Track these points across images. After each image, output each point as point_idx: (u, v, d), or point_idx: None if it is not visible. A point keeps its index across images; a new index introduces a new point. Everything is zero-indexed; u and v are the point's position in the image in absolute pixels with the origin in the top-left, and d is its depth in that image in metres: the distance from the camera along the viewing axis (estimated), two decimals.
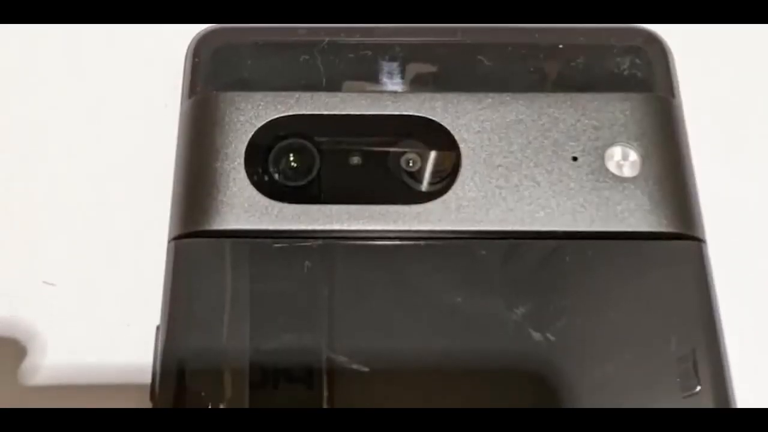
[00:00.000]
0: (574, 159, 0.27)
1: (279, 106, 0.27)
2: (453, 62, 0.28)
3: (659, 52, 0.29)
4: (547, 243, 0.26)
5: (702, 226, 0.26)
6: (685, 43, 0.29)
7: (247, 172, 0.26)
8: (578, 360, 0.25)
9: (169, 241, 0.26)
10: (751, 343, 0.28)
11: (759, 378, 0.28)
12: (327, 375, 0.24)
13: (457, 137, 0.27)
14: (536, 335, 0.25)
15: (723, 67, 0.33)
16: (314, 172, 0.27)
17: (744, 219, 0.30)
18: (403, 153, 0.27)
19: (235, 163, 0.26)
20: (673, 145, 0.27)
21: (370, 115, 0.27)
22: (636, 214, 0.26)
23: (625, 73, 0.28)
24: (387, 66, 0.28)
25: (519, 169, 0.27)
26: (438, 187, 0.27)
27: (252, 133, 0.27)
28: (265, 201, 0.26)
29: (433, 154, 0.27)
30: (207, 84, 0.28)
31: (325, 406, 0.24)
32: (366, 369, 0.24)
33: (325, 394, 0.24)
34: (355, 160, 0.27)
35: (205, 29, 0.29)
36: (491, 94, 0.27)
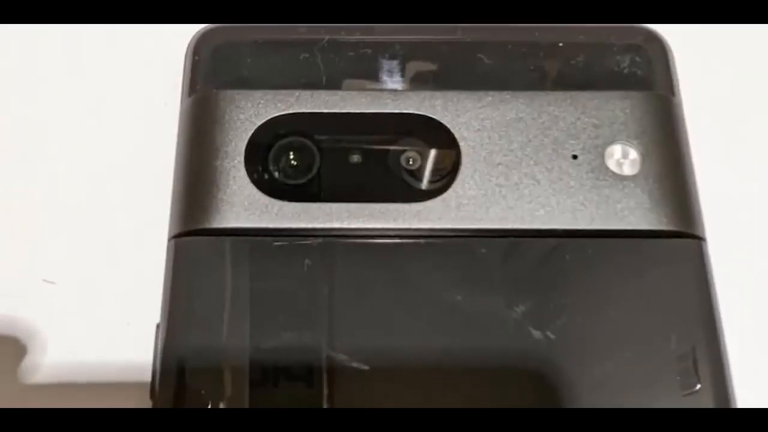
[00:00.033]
0: (574, 157, 0.27)
1: (279, 104, 0.27)
2: (453, 60, 0.28)
3: (659, 50, 0.29)
4: (547, 241, 0.26)
5: (702, 225, 0.26)
6: (685, 41, 0.29)
7: (247, 170, 0.26)
8: (578, 358, 0.25)
9: (169, 240, 0.26)
10: (751, 341, 0.28)
11: (759, 376, 0.28)
12: (327, 373, 0.24)
13: (457, 135, 0.27)
14: (536, 333, 0.25)
15: (723, 65, 0.33)
16: (314, 171, 0.27)
17: (744, 217, 0.30)
18: (403, 151, 0.27)
19: (235, 161, 0.26)
20: (673, 144, 0.27)
21: (370, 113, 0.27)
22: (636, 213, 0.26)
23: (625, 71, 0.28)
24: (387, 64, 0.28)
25: (519, 167, 0.27)
26: (438, 185, 0.27)
27: (252, 131, 0.27)
28: (265, 199, 0.26)
29: (433, 152, 0.27)
30: (207, 82, 0.28)
31: (325, 404, 0.24)
32: (366, 367, 0.24)
33: (325, 392, 0.24)
34: (355, 158, 0.27)
35: (205, 27, 0.29)
36: (491, 93, 0.27)
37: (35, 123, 0.31)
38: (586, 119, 0.27)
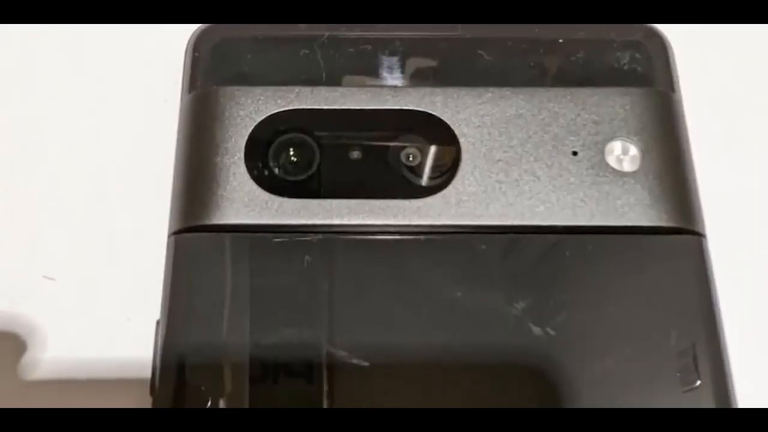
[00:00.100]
0: (574, 153, 0.27)
1: (279, 101, 0.27)
2: (453, 57, 0.28)
3: (659, 46, 0.29)
4: (547, 237, 0.26)
5: (702, 221, 0.26)
6: (685, 37, 0.29)
7: (247, 166, 0.26)
8: (578, 354, 0.25)
9: (169, 236, 0.26)
10: (751, 337, 0.28)
11: (759, 372, 0.28)
12: (327, 369, 0.24)
13: (457, 132, 0.27)
14: (536, 330, 0.25)
15: (723, 61, 0.33)
16: (314, 167, 0.27)
17: (744, 213, 0.30)
18: (403, 147, 0.27)
19: (235, 157, 0.26)
20: (673, 140, 0.27)
21: (370, 109, 0.27)
22: (636, 209, 0.26)
23: (625, 67, 0.28)
24: (387, 60, 0.28)
25: (519, 163, 0.27)
26: (438, 181, 0.27)
27: (252, 127, 0.27)
28: (265, 195, 0.26)
29: (433, 149, 0.27)
30: (207, 79, 0.28)
31: (325, 400, 0.24)
32: (366, 363, 0.24)
33: (325, 388, 0.24)
34: (355, 154, 0.27)
35: (205, 24, 0.29)
36: (491, 89, 0.27)
37: (35, 120, 0.31)
38: (586, 115, 0.27)
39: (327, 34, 0.28)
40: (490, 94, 0.27)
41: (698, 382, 0.24)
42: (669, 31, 0.29)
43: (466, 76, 0.28)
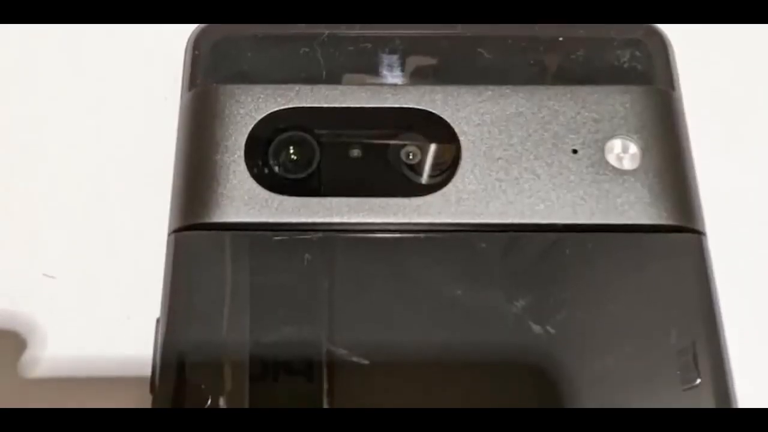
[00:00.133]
0: (574, 152, 0.27)
1: (279, 99, 0.27)
2: (453, 55, 0.28)
3: (659, 44, 0.29)
4: (547, 236, 0.26)
5: (702, 219, 0.26)
6: (685, 35, 0.29)
7: (247, 164, 0.26)
8: (578, 353, 0.25)
9: (169, 234, 0.26)
10: (751, 335, 0.28)
11: (759, 370, 0.28)
12: (327, 368, 0.24)
13: (457, 130, 0.27)
14: (536, 328, 0.25)
15: (723, 59, 0.33)
16: (314, 165, 0.27)
17: (744, 212, 0.30)
18: (403, 146, 0.27)
19: (235, 155, 0.26)
20: (673, 138, 0.27)
21: (370, 107, 0.27)
22: (636, 207, 0.26)
23: (625, 65, 0.28)
24: (387, 58, 0.28)
25: (519, 161, 0.27)
26: (438, 179, 0.27)
27: (252, 125, 0.27)
28: (265, 194, 0.26)
29: (433, 147, 0.27)
30: (207, 76, 0.28)
31: (325, 398, 0.24)
32: (366, 362, 0.24)
33: (325, 386, 0.24)
34: (355, 152, 0.27)
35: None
36: (491, 87, 0.27)
37: (35, 119, 0.31)
38: (586, 114, 0.27)
39: (327, 32, 0.28)
40: (490, 92, 0.27)
41: (698, 381, 0.24)
42: (669, 29, 0.29)
43: (466, 74, 0.28)
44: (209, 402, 0.24)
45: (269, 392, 0.24)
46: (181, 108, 0.28)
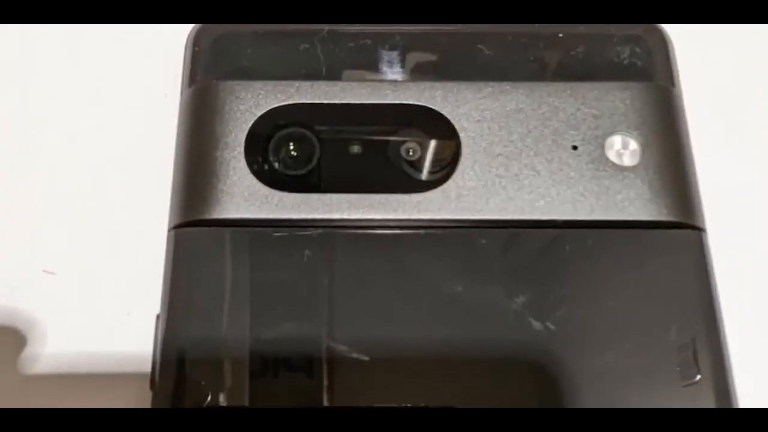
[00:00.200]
0: (574, 148, 0.27)
1: (279, 95, 0.27)
2: (453, 51, 0.28)
3: (659, 41, 0.29)
4: (547, 232, 0.26)
5: (702, 215, 0.27)
6: (685, 32, 0.29)
7: (247, 161, 0.26)
8: (578, 349, 0.25)
9: (169, 230, 0.26)
10: (751, 331, 0.28)
11: (759, 367, 0.28)
12: (327, 364, 0.24)
13: (457, 126, 0.27)
14: (536, 324, 0.25)
15: (723, 55, 0.33)
16: (314, 161, 0.27)
17: (744, 208, 0.30)
18: (403, 142, 0.27)
19: (235, 152, 0.26)
20: (673, 134, 0.27)
21: (370, 104, 0.27)
22: (636, 203, 0.26)
23: (625, 62, 0.28)
24: (387, 55, 0.28)
25: (519, 158, 0.27)
26: (438, 176, 0.27)
27: (252, 122, 0.27)
28: (265, 190, 0.26)
29: (433, 143, 0.27)
30: (207, 73, 0.28)
31: (325, 395, 0.24)
32: (366, 358, 0.24)
33: (325, 383, 0.24)
34: (355, 149, 0.27)
35: None
36: (491, 83, 0.27)
37: (36, 113, 0.31)
38: (586, 110, 0.27)
39: (327, 28, 0.28)
40: (490, 89, 0.27)
41: (698, 377, 0.24)
42: (669, 26, 0.29)
43: (466, 70, 0.28)
44: (209, 398, 0.24)
45: (269, 388, 0.24)
46: (181, 104, 0.28)
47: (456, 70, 0.28)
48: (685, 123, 0.28)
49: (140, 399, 0.26)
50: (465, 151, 0.27)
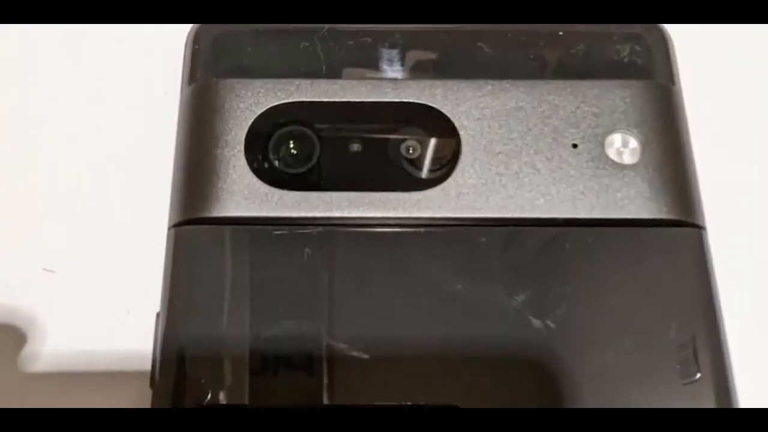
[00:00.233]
0: (574, 146, 0.27)
1: (279, 93, 0.27)
2: (453, 49, 0.28)
3: (659, 39, 0.29)
4: (547, 230, 0.26)
5: (702, 213, 0.26)
6: (685, 30, 0.29)
7: (247, 159, 0.26)
8: (578, 347, 0.25)
9: (169, 228, 0.26)
10: (751, 330, 0.28)
11: (759, 365, 0.28)
12: (327, 362, 0.24)
13: (457, 124, 0.27)
14: (536, 322, 0.25)
15: (723, 53, 0.33)
16: (314, 159, 0.27)
17: (744, 206, 0.30)
18: (403, 140, 0.27)
19: (235, 150, 0.26)
20: (673, 132, 0.27)
21: (370, 102, 0.27)
22: (636, 201, 0.26)
23: (625, 60, 0.28)
24: (387, 53, 0.28)
25: (519, 156, 0.27)
26: (438, 174, 0.27)
27: (252, 120, 0.27)
28: (265, 188, 0.26)
29: (433, 141, 0.27)
30: (207, 71, 0.28)
31: (325, 393, 0.24)
32: (366, 356, 0.24)
33: (325, 381, 0.24)
34: (355, 147, 0.27)
35: None
36: (491, 81, 0.27)
37: (36, 112, 0.31)
38: (586, 108, 0.27)
39: (327, 26, 0.28)
40: (490, 87, 0.27)
41: (698, 375, 0.24)
42: (669, 25, 0.29)
43: (466, 68, 0.28)
44: (209, 396, 0.24)
45: (269, 386, 0.24)
46: (181, 102, 0.28)
47: (456, 68, 0.28)
48: (685, 121, 0.28)
49: (140, 397, 0.26)
50: (465, 149, 0.27)
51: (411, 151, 0.27)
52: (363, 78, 0.28)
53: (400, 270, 0.26)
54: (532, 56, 0.28)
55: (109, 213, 0.29)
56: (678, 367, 0.24)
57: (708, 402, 0.24)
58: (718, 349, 0.25)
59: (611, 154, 0.27)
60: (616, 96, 0.27)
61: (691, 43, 0.29)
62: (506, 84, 0.27)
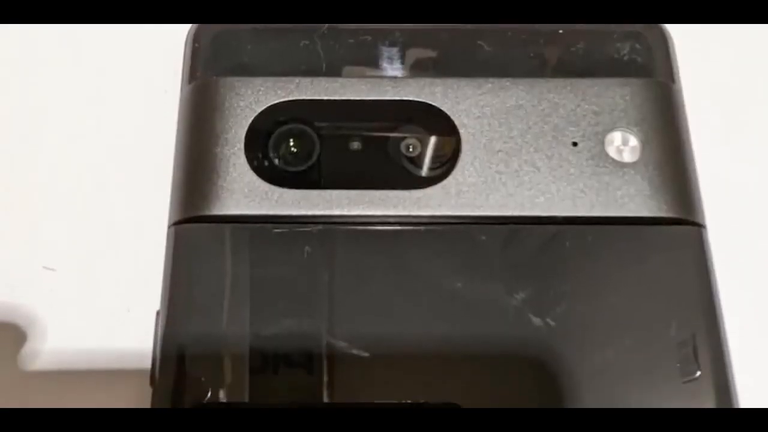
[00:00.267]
0: (574, 144, 0.27)
1: (279, 91, 0.27)
2: (453, 47, 0.28)
3: (659, 37, 0.29)
4: (547, 228, 0.26)
5: (702, 211, 0.26)
6: (685, 28, 0.29)
7: (247, 157, 0.26)
8: (578, 345, 0.25)
9: (169, 227, 0.26)
10: (751, 328, 0.28)
11: (759, 363, 0.28)
12: (327, 360, 0.24)
13: (457, 122, 0.27)
14: (536, 320, 0.25)
15: (723, 51, 0.33)
16: (314, 158, 0.27)
17: (744, 204, 0.30)
18: (403, 138, 0.27)
19: (235, 148, 0.26)
20: (673, 130, 0.27)
21: (370, 100, 0.27)
22: (636, 200, 0.26)
23: (625, 58, 0.28)
24: (387, 51, 0.28)
25: (519, 154, 0.27)
26: (438, 172, 0.27)
27: (252, 118, 0.27)
28: (265, 186, 0.26)
29: (433, 140, 0.27)
30: (207, 69, 0.28)
31: (325, 391, 0.24)
32: (366, 354, 0.24)
33: (325, 379, 0.24)
34: (355, 145, 0.27)
35: None
36: (491, 80, 0.27)
37: (36, 111, 0.31)
38: (586, 106, 0.27)
39: (327, 24, 0.28)
40: (490, 85, 0.27)
41: (698, 373, 0.24)
42: (669, 25, 0.29)
43: (466, 66, 0.28)
44: (209, 394, 0.24)
45: (269, 385, 0.24)
46: (181, 101, 0.28)
47: (456, 67, 0.28)
48: (685, 119, 0.28)
49: (140, 395, 0.26)
50: (465, 147, 0.27)
51: (411, 149, 0.27)
52: (363, 76, 0.28)
53: (400, 268, 0.26)
54: (532, 54, 0.28)
55: (109, 211, 0.29)
56: (678, 365, 0.24)
57: (708, 400, 0.24)
58: (718, 347, 0.25)
59: (611, 152, 0.27)
60: (616, 94, 0.27)
61: (691, 43, 0.29)
62: (506, 82, 0.27)
